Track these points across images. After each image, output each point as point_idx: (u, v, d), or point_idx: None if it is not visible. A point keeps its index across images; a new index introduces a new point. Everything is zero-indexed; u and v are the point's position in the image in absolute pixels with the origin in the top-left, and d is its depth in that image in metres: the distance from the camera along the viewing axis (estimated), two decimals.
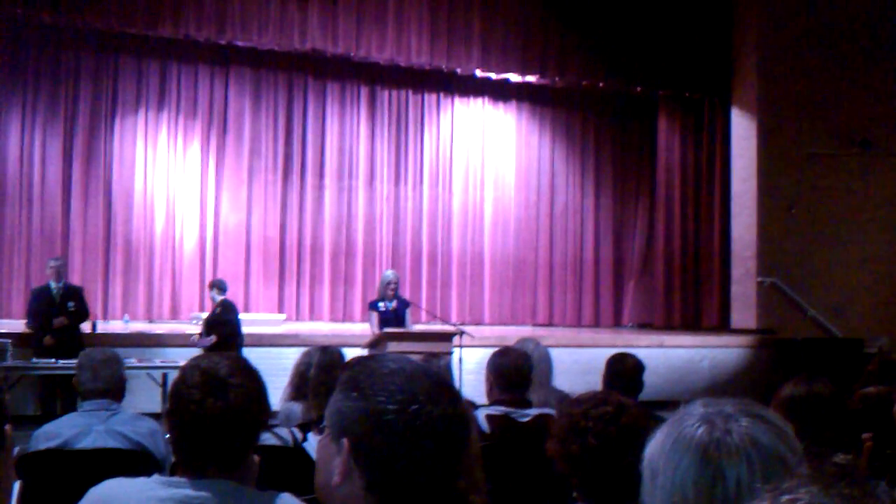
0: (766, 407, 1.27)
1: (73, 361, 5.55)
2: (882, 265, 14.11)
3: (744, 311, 14.13)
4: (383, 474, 1.36)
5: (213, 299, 9.59)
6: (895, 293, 14.13)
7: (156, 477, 1.92)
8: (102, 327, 10.42)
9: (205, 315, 9.95)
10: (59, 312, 8.81)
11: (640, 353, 4.87)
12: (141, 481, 1.91)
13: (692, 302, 15.34)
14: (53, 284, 9.01)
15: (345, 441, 1.38)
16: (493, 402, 4.19)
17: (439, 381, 1.43)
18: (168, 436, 2.02)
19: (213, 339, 9.08)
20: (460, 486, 1.45)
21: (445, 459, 1.39)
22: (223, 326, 9.28)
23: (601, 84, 14.74)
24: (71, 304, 8.91)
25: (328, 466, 1.41)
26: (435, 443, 1.37)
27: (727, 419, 1.20)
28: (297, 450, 3.55)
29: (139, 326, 11.42)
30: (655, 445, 1.23)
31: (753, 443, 1.17)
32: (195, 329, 9.93)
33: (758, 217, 13.97)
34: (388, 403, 1.37)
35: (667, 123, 15.54)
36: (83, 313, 9.10)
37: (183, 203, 13.33)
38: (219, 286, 9.67)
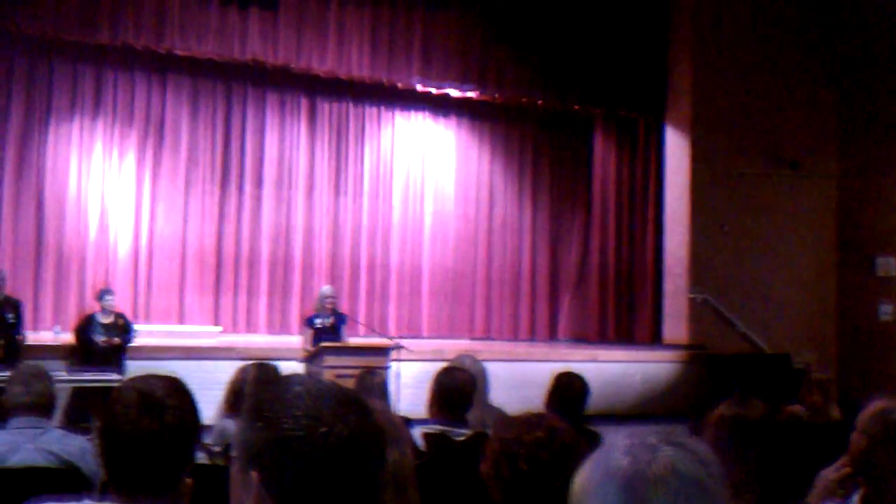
0: (689, 434, 1.31)
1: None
2: (809, 283, 14.50)
3: (675, 326, 14.37)
4: (297, 502, 1.32)
5: (109, 305, 9.50)
6: (821, 310, 14.53)
7: (86, 502, 1.90)
8: (33, 338, 10.15)
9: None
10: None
11: (575, 367, 4.99)
12: None
13: (625, 316, 15.55)
14: None
15: (254, 473, 1.33)
16: (431, 418, 4.23)
17: (346, 399, 1.38)
18: (99, 455, 1.99)
19: (117, 340, 9.28)
20: (384, 501, 1.44)
21: (361, 477, 1.35)
22: (127, 335, 9.56)
23: (539, 101, 14.88)
24: (10, 315, 8.75)
25: (240, 499, 1.37)
26: (347, 463, 1.33)
27: (650, 449, 1.23)
28: (228, 468, 3.52)
29: (71, 338, 11.16)
30: (583, 476, 1.26)
31: (675, 471, 1.21)
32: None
33: (690, 234, 14.22)
34: (295, 429, 1.32)
35: (603, 141, 15.76)
36: (20, 326, 8.96)
37: (117, 212, 13.07)
38: (111, 292, 9.79)
